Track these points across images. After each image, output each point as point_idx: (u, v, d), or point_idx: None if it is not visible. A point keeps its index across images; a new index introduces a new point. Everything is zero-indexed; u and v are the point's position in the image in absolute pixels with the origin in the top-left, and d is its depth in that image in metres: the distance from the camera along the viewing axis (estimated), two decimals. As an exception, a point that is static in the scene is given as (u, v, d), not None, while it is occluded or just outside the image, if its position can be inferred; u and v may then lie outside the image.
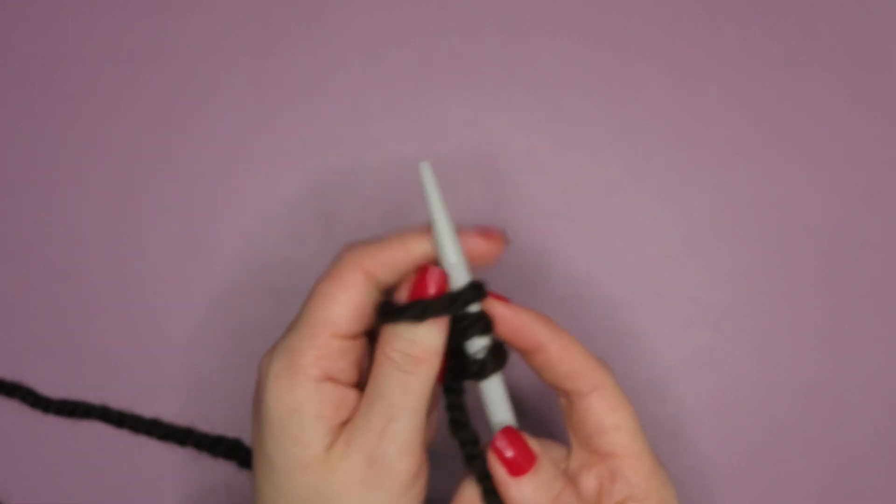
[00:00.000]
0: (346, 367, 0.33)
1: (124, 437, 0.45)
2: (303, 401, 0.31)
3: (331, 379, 0.32)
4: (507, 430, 0.34)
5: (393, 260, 0.33)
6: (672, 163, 0.47)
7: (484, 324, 0.34)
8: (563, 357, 0.34)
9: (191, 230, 0.47)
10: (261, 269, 0.46)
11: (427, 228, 0.34)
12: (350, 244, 0.34)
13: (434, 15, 0.49)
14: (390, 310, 0.33)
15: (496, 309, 0.34)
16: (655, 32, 0.49)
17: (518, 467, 0.33)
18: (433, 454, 0.34)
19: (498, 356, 0.34)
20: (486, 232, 0.34)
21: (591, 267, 0.46)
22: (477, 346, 0.34)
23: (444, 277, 0.33)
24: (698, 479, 0.45)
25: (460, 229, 0.34)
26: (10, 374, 0.46)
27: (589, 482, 0.35)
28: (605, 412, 0.34)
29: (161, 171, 0.47)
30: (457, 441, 0.34)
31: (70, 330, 0.46)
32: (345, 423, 0.32)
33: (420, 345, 0.33)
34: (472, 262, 0.34)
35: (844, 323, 0.46)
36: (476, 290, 0.34)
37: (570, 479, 0.35)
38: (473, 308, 0.34)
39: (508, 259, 0.47)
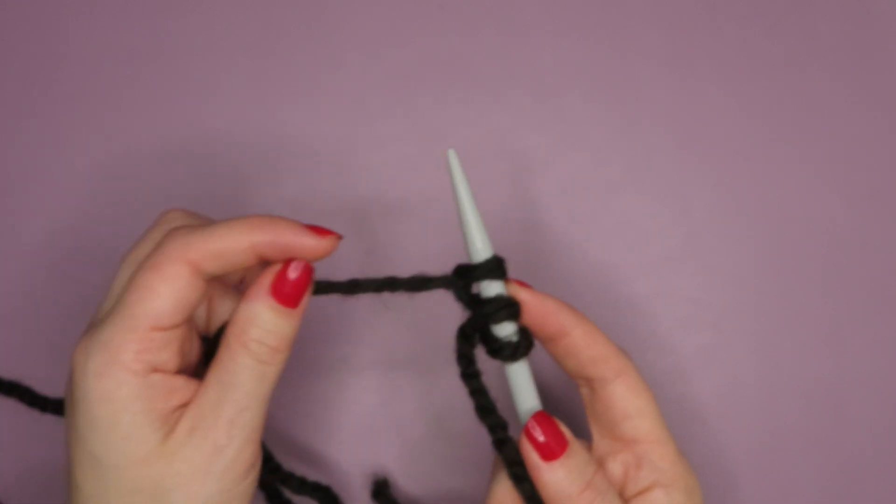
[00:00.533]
0: (168, 357, 0.31)
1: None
2: (130, 397, 0.30)
3: (155, 370, 0.31)
4: (539, 415, 0.34)
5: (221, 251, 0.31)
6: (672, 163, 0.47)
7: (514, 309, 0.34)
8: (588, 343, 0.35)
9: (191, 230, 0.47)
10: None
11: (258, 218, 0.32)
12: (173, 229, 0.32)
13: (434, 15, 0.49)
14: (464, 270, 0.34)
15: (522, 295, 0.35)
16: (655, 32, 0.49)
17: (551, 452, 0.33)
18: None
19: (527, 340, 0.35)
20: (319, 230, 0.33)
21: (591, 267, 0.46)
22: (506, 330, 0.34)
23: (309, 269, 0.32)
24: (698, 479, 0.45)
25: (290, 226, 0.32)
26: (9, 374, 0.46)
27: (615, 470, 0.35)
28: (629, 397, 0.34)
29: (162, 171, 0.47)
30: (485, 426, 0.34)
31: (70, 330, 0.46)
32: (175, 410, 0.31)
33: (279, 334, 0.32)
34: (294, 256, 0.32)
35: (844, 323, 0.46)
36: (500, 266, 0.34)
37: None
38: (498, 290, 0.34)
39: (508, 259, 0.47)
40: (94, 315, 0.33)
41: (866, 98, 0.48)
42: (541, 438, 0.33)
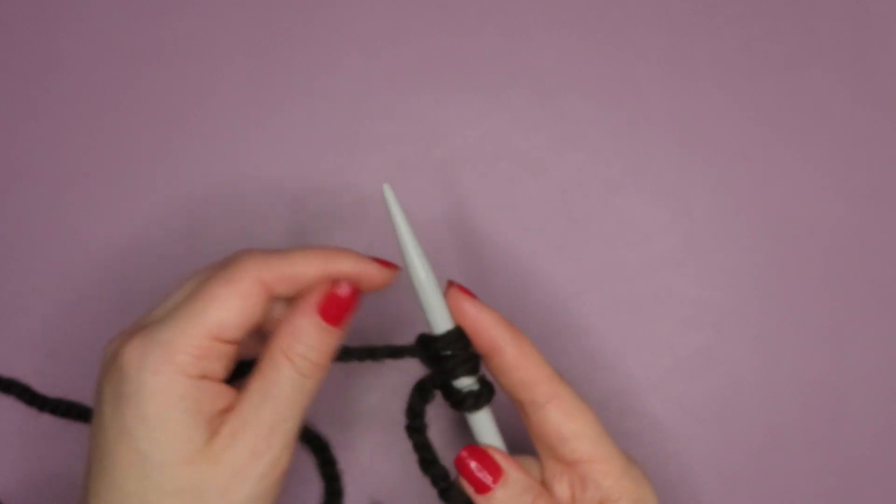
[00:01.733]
0: (218, 367, 0.32)
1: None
2: (181, 396, 0.31)
3: (205, 377, 0.32)
4: (469, 448, 0.35)
5: (294, 275, 0.33)
6: (672, 163, 0.47)
7: (473, 363, 0.35)
8: (519, 364, 0.35)
9: (192, 229, 0.47)
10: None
11: (329, 248, 0.34)
12: (246, 251, 0.34)
13: (434, 15, 0.49)
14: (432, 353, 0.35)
15: (459, 303, 0.35)
16: (655, 32, 0.49)
17: (483, 484, 0.34)
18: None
19: (487, 388, 0.35)
20: (382, 261, 0.35)
21: (591, 267, 0.46)
22: (465, 382, 0.35)
23: (357, 290, 0.34)
24: (698, 479, 0.45)
25: (359, 257, 0.34)
26: (8, 371, 0.46)
27: (562, 492, 0.35)
28: (563, 421, 0.34)
29: (161, 171, 0.47)
30: (428, 477, 0.35)
31: (70, 330, 0.46)
32: (219, 414, 0.32)
33: (322, 351, 0.33)
34: (367, 288, 0.35)
35: (844, 323, 0.46)
36: (461, 336, 0.35)
37: (546, 487, 0.35)
38: (459, 346, 0.35)
39: (508, 259, 0.47)
40: (141, 317, 0.34)
41: (866, 98, 0.48)
42: (473, 467, 0.34)
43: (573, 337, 0.46)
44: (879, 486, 0.45)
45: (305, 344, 0.33)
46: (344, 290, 0.33)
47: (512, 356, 0.34)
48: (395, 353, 0.37)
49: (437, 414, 0.44)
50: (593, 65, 0.48)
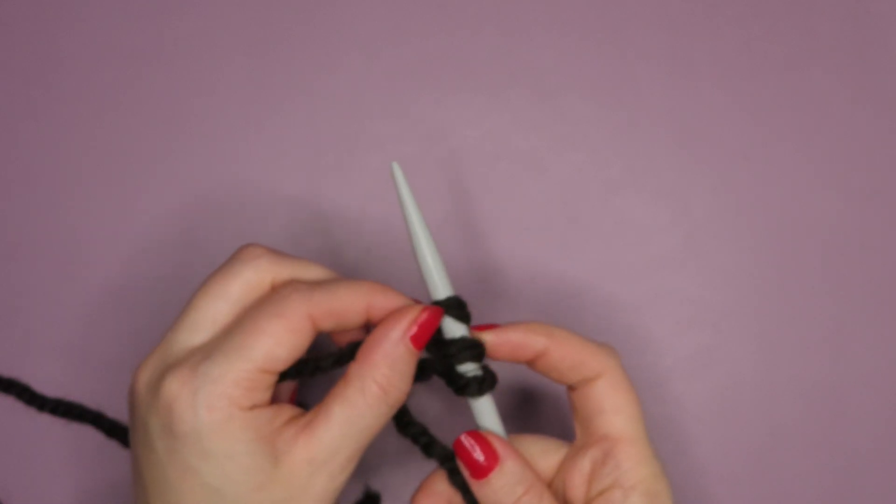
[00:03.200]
0: (267, 396, 0.33)
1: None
2: (242, 428, 0.31)
3: (255, 406, 0.32)
4: (470, 433, 0.35)
5: (341, 310, 0.33)
6: (672, 163, 0.47)
7: (478, 350, 0.35)
8: (563, 355, 0.35)
9: (191, 229, 0.47)
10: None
11: (373, 283, 0.34)
12: (295, 283, 0.34)
13: (434, 15, 0.49)
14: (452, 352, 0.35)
15: (486, 338, 0.35)
16: (655, 32, 0.49)
17: (479, 469, 0.34)
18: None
19: (490, 374, 0.35)
20: (423, 305, 0.34)
21: (591, 267, 0.46)
22: (468, 367, 0.35)
23: (440, 311, 0.34)
24: (698, 479, 0.45)
25: (401, 297, 0.34)
26: (8, 371, 0.46)
27: (584, 466, 0.35)
28: (609, 393, 0.35)
29: (161, 171, 0.47)
30: (437, 461, 0.35)
31: (71, 331, 0.46)
32: (277, 431, 0.32)
33: (411, 378, 0.33)
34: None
35: (844, 323, 0.46)
36: (462, 306, 0.35)
37: (567, 463, 0.36)
38: (461, 332, 0.35)
39: (508, 259, 0.47)
40: (166, 342, 0.34)
41: (866, 98, 0.48)
42: (475, 454, 0.34)
43: (573, 337, 0.46)
44: (879, 486, 0.45)
45: (400, 373, 0.33)
46: (431, 312, 0.34)
47: (555, 351, 0.35)
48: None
49: (430, 399, 0.45)
50: (593, 65, 0.48)
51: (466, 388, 0.35)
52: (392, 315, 0.33)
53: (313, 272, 0.35)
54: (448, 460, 0.35)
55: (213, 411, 0.31)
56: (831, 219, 0.47)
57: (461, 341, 0.35)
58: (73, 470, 0.45)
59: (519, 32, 0.49)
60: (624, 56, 0.48)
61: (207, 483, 0.31)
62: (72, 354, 0.46)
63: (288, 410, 0.33)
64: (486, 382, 0.35)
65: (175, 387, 0.32)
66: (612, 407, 0.35)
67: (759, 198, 0.47)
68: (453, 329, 0.35)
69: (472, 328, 0.35)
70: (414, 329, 0.33)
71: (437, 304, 0.35)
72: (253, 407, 0.32)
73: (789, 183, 0.47)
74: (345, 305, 0.33)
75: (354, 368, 0.33)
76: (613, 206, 0.47)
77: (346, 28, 0.49)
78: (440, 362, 0.35)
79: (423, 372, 0.35)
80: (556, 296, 0.46)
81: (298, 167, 0.47)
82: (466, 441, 0.34)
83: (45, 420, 0.45)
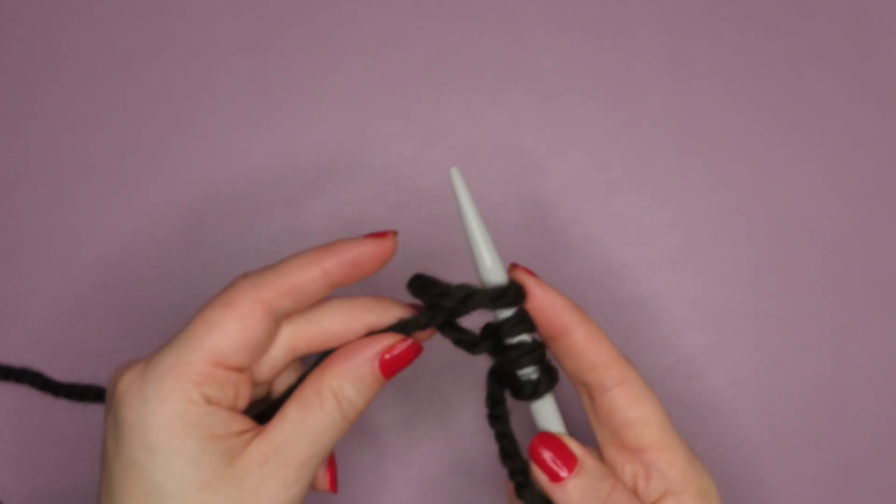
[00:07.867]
0: (228, 395, 0.32)
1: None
2: (193, 423, 0.30)
3: (210, 403, 0.31)
4: (544, 436, 0.34)
5: (295, 285, 0.32)
6: (672, 163, 0.47)
7: (540, 353, 0.34)
8: (588, 345, 0.34)
9: (191, 229, 0.47)
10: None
11: (319, 246, 0.33)
12: (244, 273, 0.33)
13: (434, 15, 0.49)
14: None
15: (526, 282, 0.34)
16: (656, 32, 0.49)
17: (557, 472, 0.33)
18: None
19: (549, 376, 0.34)
20: (375, 234, 0.33)
21: (591, 267, 0.46)
22: (529, 370, 0.34)
23: (418, 348, 0.33)
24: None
25: (349, 244, 0.33)
26: (19, 362, 0.46)
27: (624, 480, 0.34)
28: (631, 406, 0.34)
29: (161, 171, 0.47)
30: (507, 469, 0.34)
31: (70, 331, 0.46)
32: (234, 436, 0.31)
33: (368, 400, 0.33)
34: (369, 269, 0.33)
35: (844, 323, 0.46)
36: (526, 318, 0.34)
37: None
38: (524, 337, 0.34)
39: (508, 259, 0.47)
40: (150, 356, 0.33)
41: (866, 98, 0.48)
42: (546, 457, 0.33)
43: (573, 337, 0.46)
44: (879, 485, 0.45)
45: (358, 390, 0.32)
46: (410, 346, 0.33)
47: (581, 338, 0.34)
48: (460, 343, 0.34)
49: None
50: (593, 65, 0.48)
51: (522, 390, 0.34)
52: (373, 336, 0.33)
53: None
54: (519, 474, 0.34)
55: (165, 404, 0.30)
56: (831, 219, 0.47)
57: (522, 345, 0.33)
58: (74, 471, 0.45)
59: (519, 32, 0.49)
60: (624, 56, 0.48)
61: (149, 478, 0.30)
62: (72, 354, 0.46)
63: (250, 422, 0.32)
64: (541, 384, 0.34)
65: (128, 379, 0.31)
66: (639, 419, 0.34)
67: (759, 198, 0.47)
68: (512, 331, 0.34)
69: (516, 266, 0.34)
70: (387, 356, 0.32)
71: (504, 322, 0.33)
72: (209, 403, 0.31)
73: (789, 183, 0.47)
74: (296, 279, 0.32)
75: (315, 372, 0.32)
76: (613, 206, 0.47)
77: (346, 28, 0.49)
78: (504, 367, 0.34)
79: (498, 376, 0.34)
80: (556, 296, 0.46)
81: (298, 167, 0.47)
82: (539, 445, 0.33)
83: (46, 420, 0.45)
